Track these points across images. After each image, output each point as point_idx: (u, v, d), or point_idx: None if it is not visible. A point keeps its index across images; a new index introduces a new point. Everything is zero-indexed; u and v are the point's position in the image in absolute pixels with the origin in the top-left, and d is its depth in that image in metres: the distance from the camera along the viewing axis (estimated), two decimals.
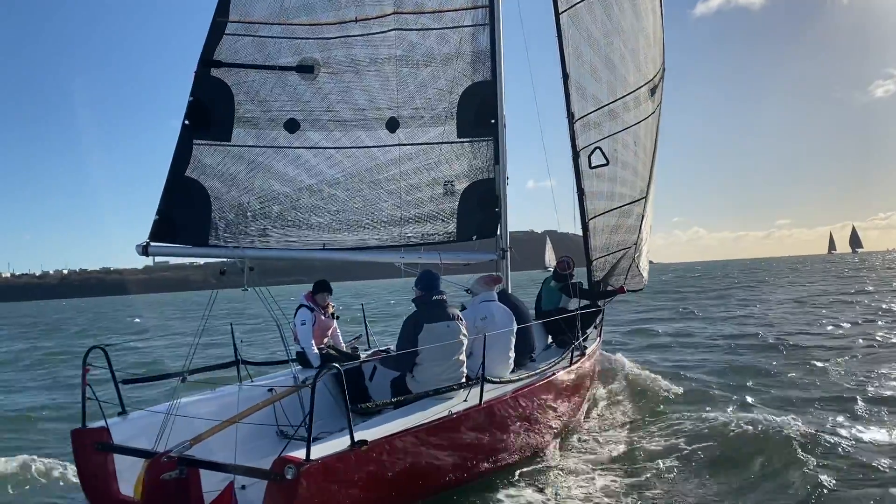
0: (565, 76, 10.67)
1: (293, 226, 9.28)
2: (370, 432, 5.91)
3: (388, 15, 9.32)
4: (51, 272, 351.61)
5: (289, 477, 5.18)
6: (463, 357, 7.46)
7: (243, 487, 5.88)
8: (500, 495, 7.02)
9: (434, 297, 7.57)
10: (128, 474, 6.16)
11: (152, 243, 8.83)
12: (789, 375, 13.00)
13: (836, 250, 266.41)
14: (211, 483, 5.81)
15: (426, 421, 6.39)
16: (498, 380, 7.58)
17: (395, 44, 9.34)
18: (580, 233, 11.35)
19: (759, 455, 8.07)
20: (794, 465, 7.57)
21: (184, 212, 8.94)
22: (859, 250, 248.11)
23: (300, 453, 5.34)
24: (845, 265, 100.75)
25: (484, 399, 6.95)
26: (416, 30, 9.35)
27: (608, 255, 11.44)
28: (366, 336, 10.49)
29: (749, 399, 10.97)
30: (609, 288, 11.44)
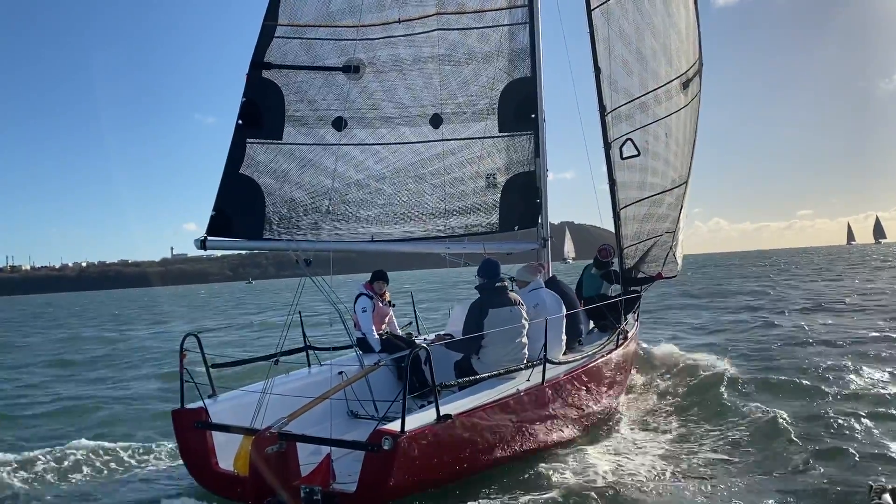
0: (597, 70, 11.01)
1: (343, 219, 9.75)
2: (449, 407, 6.50)
3: (431, 16, 9.73)
4: (70, 265, 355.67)
5: (386, 447, 5.81)
6: (525, 340, 8.00)
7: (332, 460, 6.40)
8: (565, 466, 7.58)
9: (497, 284, 8.07)
10: (224, 450, 6.73)
11: (209, 237, 9.34)
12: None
13: (854, 241, 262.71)
14: (302, 456, 6.37)
15: (498, 397, 7.01)
16: (557, 361, 8.13)
17: (437, 43, 9.75)
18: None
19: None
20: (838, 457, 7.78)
21: (239, 207, 9.43)
22: (883, 241, 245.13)
23: (394, 426, 5.95)
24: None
25: (546, 379, 7.56)
26: (458, 29, 9.76)
27: (639, 243, 11.79)
28: (416, 323, 10.98)
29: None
30: (641, 275, 11.83)
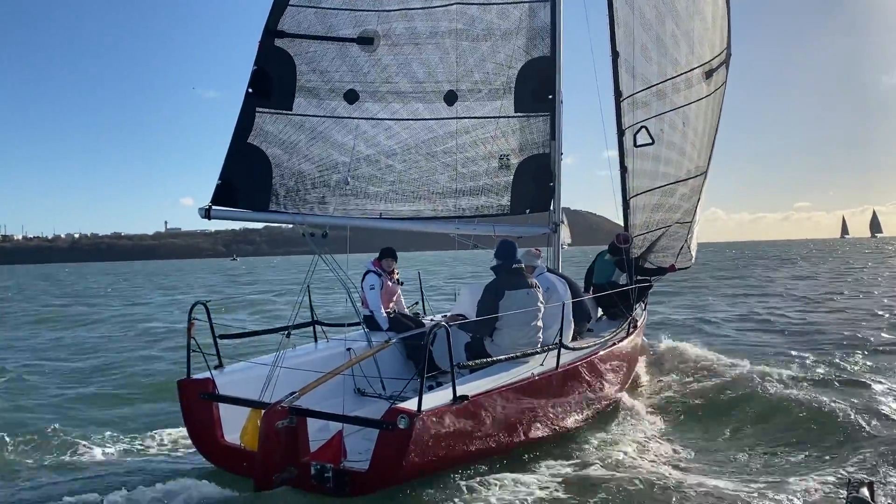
0: (615, 54, 10.80)
1: (351, 195, 9.51)
2: (464, 389, 6.35)
3: None
4: (62, 236, 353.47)
5: (401, 426, 5.64)
6: (540, 323, 7.86)
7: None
8: (576, 451, 7.60)
9: (514, 266, 7.89)
10: (229, 423, 6.55)
11: (214, 207, 9.09)
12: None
13: (848, 234, 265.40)
14: (309, 432, 6.20)
15: (514, 380, 6.88)
16: (572, 347, 8.01)
17: (455, 17, 9.49)
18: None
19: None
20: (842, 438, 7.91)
21: (245, 177, 9.17)
22: (879, 235, 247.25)
23: (410, 405, 5.79)
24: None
25: (560, 364, 7.44)
26: (478, 4, 9.49)
27: (647, 232, 11.65)
28: (422, 302, 10.79)
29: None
30: (649, 265, 11.69)
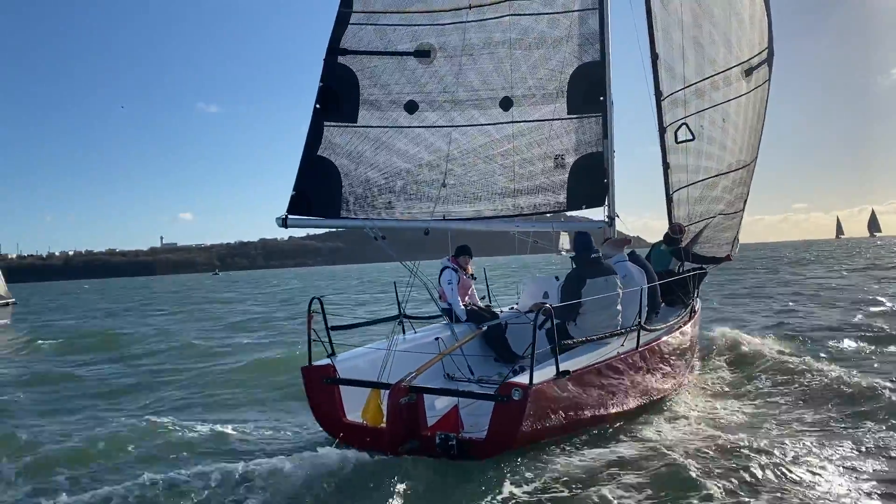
0: (654, 56, 11.37)
1: (415, 199, 10.09)
2: (563, 366, 7.02)
3: (503, 1, 10.02)
4: (56, 253, 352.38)
5: (515, 398, 6.34)
6: (620, 307, 8.51)
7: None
8: (662, 422, 8.28)
9: (592, 256, 8.49)
10: (351, 403, 7.30)
11: (290, 216, 9.67)
12: None
13: (843, 235, 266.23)
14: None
15: (604, 358, 7.61)
16: (651, 328, 8.72)
17: (508, 28, 10.06)
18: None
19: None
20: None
21: (317, 187, 9.78)
22: (878, 234, 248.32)
23: (521, 379, 6.55)
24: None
25: (640, 344, 8.18)
26: (529, 14, 10.06)
27: (690, 224, 12.22)
28: (488, 297, 11.36)
29: None
30: (695, 254, 12.29)
